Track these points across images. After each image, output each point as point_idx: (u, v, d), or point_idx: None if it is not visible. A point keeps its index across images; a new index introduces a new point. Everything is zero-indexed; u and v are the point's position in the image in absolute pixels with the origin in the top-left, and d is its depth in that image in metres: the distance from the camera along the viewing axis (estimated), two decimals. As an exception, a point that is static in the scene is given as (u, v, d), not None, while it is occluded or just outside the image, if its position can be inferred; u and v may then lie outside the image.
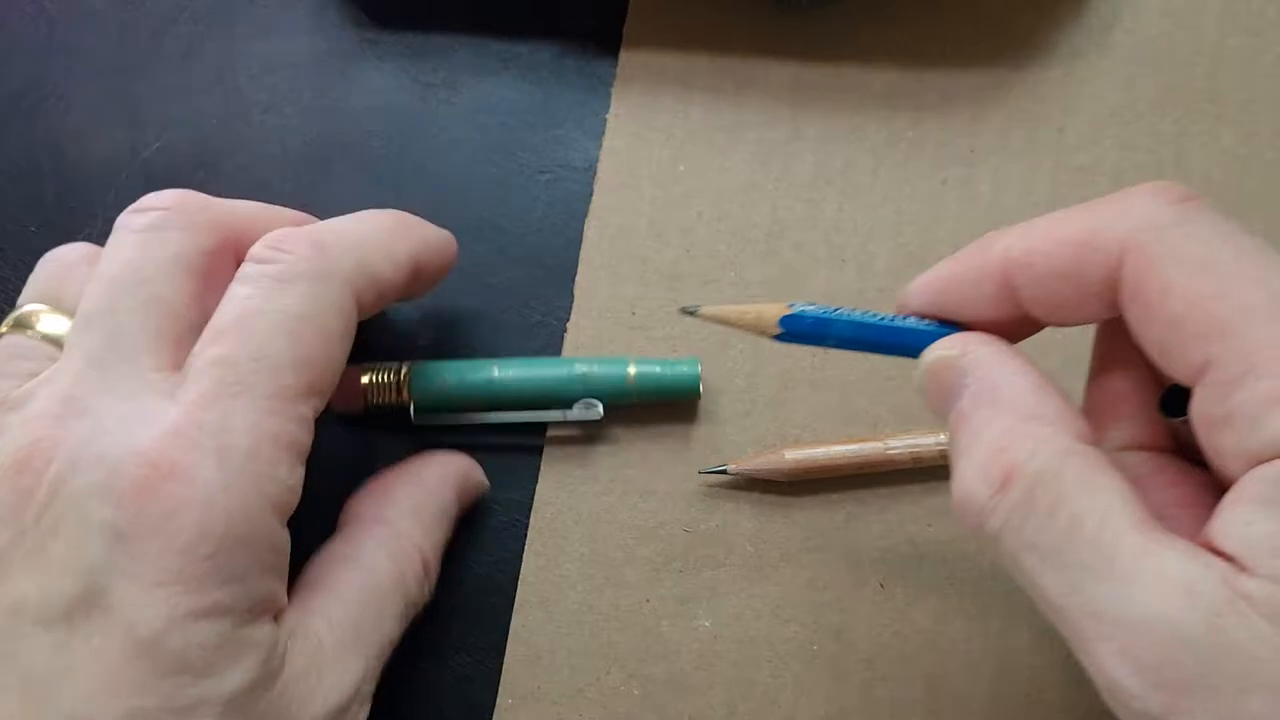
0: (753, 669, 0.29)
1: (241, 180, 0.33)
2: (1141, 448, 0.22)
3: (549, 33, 0.34)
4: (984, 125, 0.33)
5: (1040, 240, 0.20)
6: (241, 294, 0.23)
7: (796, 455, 0.29)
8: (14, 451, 0.22)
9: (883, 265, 0.32)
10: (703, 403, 0.31)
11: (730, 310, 0.23)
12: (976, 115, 0.33)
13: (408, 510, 0.28)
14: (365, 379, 0.30)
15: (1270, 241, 0.19)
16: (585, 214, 0.33)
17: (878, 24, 0.34)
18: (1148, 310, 0.19)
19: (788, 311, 0.23)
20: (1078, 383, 0.23)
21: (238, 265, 0.24)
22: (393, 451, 0.30)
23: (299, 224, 0.27)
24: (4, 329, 0.26)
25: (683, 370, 0.30)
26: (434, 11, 0.35)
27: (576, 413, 0.30)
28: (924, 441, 0.29)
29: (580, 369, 0.30)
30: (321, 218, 0.28)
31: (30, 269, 0.28)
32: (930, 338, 0.22)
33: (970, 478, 0.20)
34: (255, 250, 0.24)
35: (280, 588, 0.23)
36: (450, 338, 0.31)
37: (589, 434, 0.31)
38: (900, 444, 0.29)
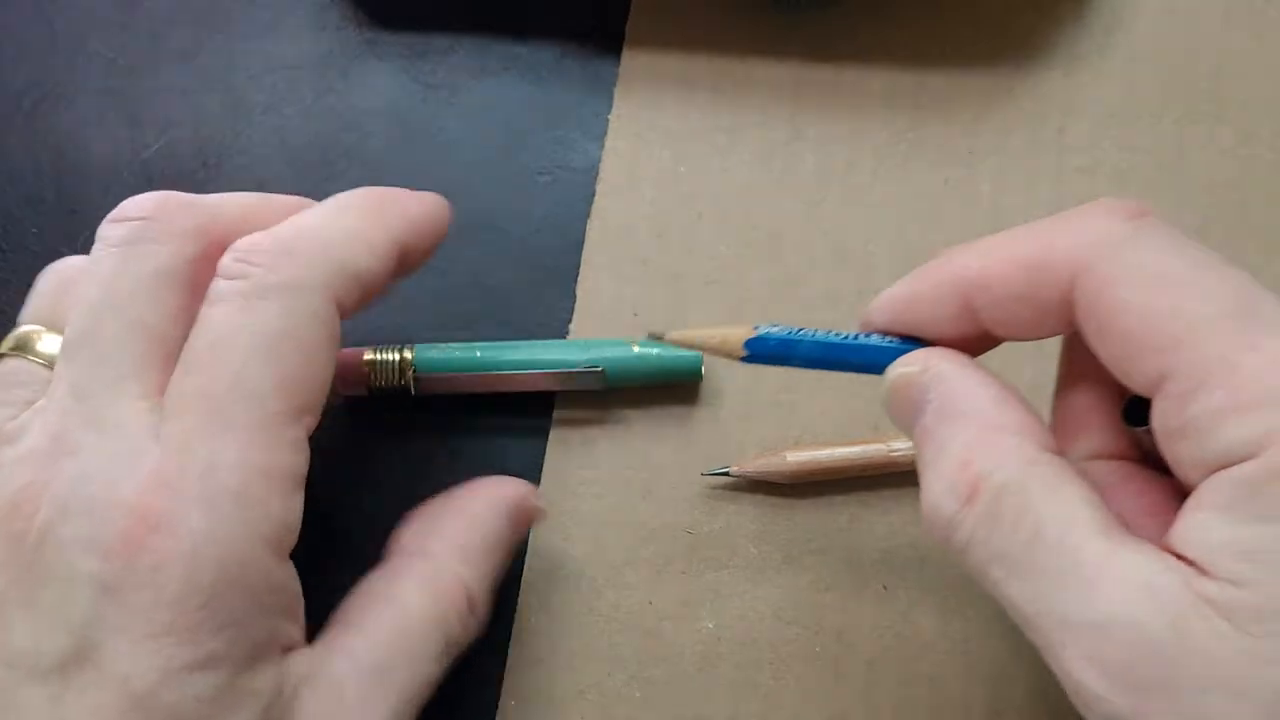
0: (755, 671, 0.29)
1: (242, 180, 0.33)
2: (1110, 456, 0.22)
3: (550, 33, 0.34)
4: (985, 126, 0.33)
5: (994, 261, 0.21)
6: (212, 316, 0.22)
7: (799, 457, 0.29)
8: (9, 495, 0.21)
9: (884, 266, 0.32)
10: (705, 404, 0.31)
11: (695, 334, 0.24)
12: (977, 116, 0.33)
13: (452, 542, 0.26)
14: (368, 357, 0.30)
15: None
16: (587, 215, 0.33)
17: (878, 25, 0.34)
18: (1102, 328, 0.19)
19: (753, 334, 0.23)
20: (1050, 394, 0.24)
21: None
22: (397, 433, 0.30)
23: (292, 212, 0.25)
24: (4, 349, 0.25)
25: (685, 351, 0.30)
26: (435, 11, 0.35)
27: (580, 370, 0.29)
28: (926, 442, 0.29)
29: (583, 345, 0.30)
30: None
31: (30, 269, 0.28)
32: (893, 354, 0.22)
33: (937, 492, 0.20)
34: (223, 263, 0.23)
35: (287, 624, 0.22)
36: (451, 339, 0.31)
37: (591, 435, 0.31)
38: (903, 445, 0.29)
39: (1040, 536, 0.18)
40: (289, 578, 0.22)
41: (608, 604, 0.29)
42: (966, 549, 0.20)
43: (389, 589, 0.25)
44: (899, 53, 0.34)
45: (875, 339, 0.23)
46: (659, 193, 0.33)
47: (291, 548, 0.22)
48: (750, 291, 0.32)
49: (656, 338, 0.24)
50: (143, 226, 0.24)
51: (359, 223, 0.24)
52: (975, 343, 0.22)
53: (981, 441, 0.20)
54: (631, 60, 0.34)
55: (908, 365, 0.22)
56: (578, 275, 0.32)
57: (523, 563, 0.30)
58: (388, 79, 0.34)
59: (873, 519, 0.30)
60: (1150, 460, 0.21)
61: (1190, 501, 0.18)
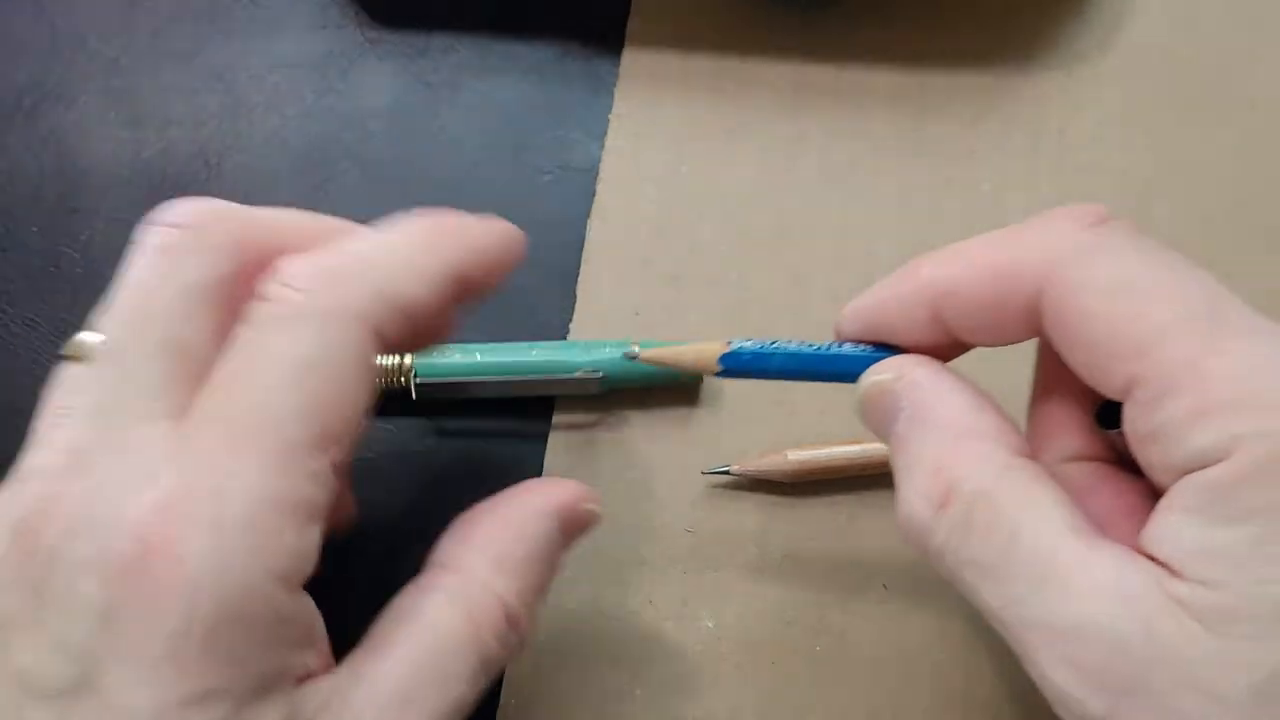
0: (756, 670, 0.29)
1: (243, 180, 0.33)
2: (1086, 459, 0.22)
3: (552, 32, 0.34)
4: (986, 126, 0.33)
5: (961, 270, 0.21)
6: (244, 338, 0.22)
7: (800, 456, 0.29)
8: (22, 513, 0.21)
9: (885, 266, 0.31)
10: (705, 404, 0.31)
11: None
12: (978, 116, 0.33)
13: (488, 553, 0.24)
14: None
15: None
16: (588, 214, 0.33)
17: (879, 25, 0.34)
18: (1069, 337, 0.19)
19: (726, 349, 0.23)
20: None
21: None
22: (397, 435, 0.30)
23: (339, 234, 0.24)
24: (66, 352, 0.24)
25: None
26: (436, 11, 0.35)
27: (580, 375, 0.29)
28: (926, 442, 0.29)
29: (583, 346, 0.30)
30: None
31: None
32: (866, 363, 0.22)
33: (911, 499, 0.20)
34: (262, 286, 0.22)
35: (300, 655, 0.21)
36: (451, 340, 0.31)
37: (591, 435, 0.31)
38: (903, 445, 0.29)
39: (1013, 542, 0.19)
40: (301, 609, 0.21)
41: (608, 603, 0.29)
42: (941, 555, 0.20)
43: (417, 607, 0.23)
44: (900, 52, 0.34)
45: (849, 348, 0.23)
46: (660, 192, 0.33)
47: (306, 579, 0.21)
48: (751, 292, 0.32)
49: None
50: (179, 236, 0.23)
51: (409, 250, 0.23)
52: (946, 349, 0.22)
53: (954, 448, 0.20)
54: (632, 60, 0.34)
55: (880, 373, 0.22)
56: (578, 275, 0.32)
57: (523, 562, 0.30)
58: (388, 78, 0.34)
59: (873, 518, 0.30)
60: (1126, 462, 0.21)
61: (1162, 504, 0.18)
